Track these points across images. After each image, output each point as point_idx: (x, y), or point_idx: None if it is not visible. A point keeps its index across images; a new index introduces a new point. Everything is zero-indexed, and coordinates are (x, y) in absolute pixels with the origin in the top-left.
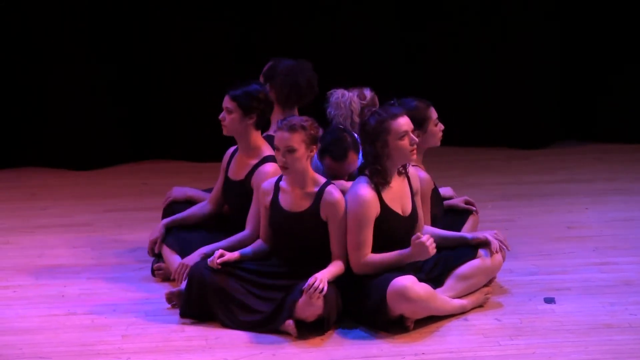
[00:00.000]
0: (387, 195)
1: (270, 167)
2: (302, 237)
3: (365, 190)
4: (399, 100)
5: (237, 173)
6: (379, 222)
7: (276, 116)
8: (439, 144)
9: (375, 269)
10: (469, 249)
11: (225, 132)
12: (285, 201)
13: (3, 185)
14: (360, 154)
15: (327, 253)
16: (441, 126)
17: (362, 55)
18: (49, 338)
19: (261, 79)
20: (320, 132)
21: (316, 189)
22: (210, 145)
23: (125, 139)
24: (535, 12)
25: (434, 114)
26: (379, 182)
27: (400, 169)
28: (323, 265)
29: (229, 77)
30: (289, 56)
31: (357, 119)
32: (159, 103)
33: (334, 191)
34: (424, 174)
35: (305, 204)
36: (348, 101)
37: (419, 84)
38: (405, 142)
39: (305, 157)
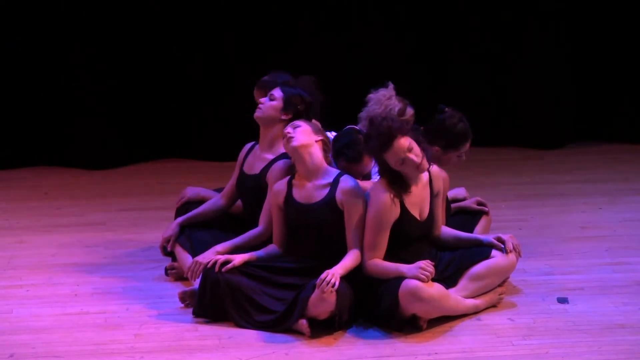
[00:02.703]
0: (407, 199)
1: (283, 163)
2: (318, 228)
3: (384, 194)
4: (455, 111)
5: (252, 167)
6: (396, 225)
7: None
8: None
9: (377, 274)
10: (483, 249)
11: (257, 115)
12: (299, 195)
13: (18, 184)
14: None
15: (343, 246)
16: (463, 158)
17: (374, 54)
18: (63, 337)
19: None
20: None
21: (331, 180)
22: (224, 145)
23: (139, 139)
24: (549, 13)
25: (468, 145)
26: (400, 188)
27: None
28: (338, 259)
29: (244, 78)
30: (304, 54)
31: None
32: (173, 102)
33: (349, 179)
34: (444, 173)
35: (320, 195)
36: (388, 108)
37: (435, 84)
38: (412, 154)
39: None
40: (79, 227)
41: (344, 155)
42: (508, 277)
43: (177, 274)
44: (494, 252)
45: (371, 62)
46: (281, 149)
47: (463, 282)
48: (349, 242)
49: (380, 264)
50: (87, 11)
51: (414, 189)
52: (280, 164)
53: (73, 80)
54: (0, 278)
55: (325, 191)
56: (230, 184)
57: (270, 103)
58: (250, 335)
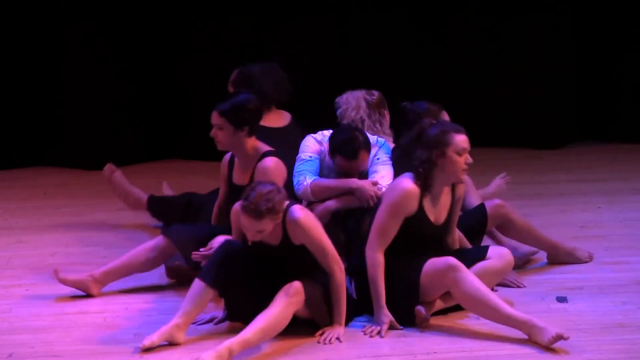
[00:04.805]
0: (426, 201)
1: (270, 162)
2: (282, 264)
3: (408, 184)
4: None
5: (242, 178)
6: (410, 223)
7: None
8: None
9: (370, 275)
10: (479, 251)
11: (220, 148)
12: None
13: (17, 184)
14: (375, 153)
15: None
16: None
17: (376, 55)
18: (62, 337)
19: (230, 88)
20: (285, 197)
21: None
22: None
23: (139, 139)
24: (550, 14)
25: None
26: (423, 187)
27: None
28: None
29: None
30: (308, 53)
31: (365, 115)
32: (174, 102)
33: (295, 210)
34: (466, 177)
35: (277, 239)
36: (356, 96)
37: (435, 84)
38: (462, 158)
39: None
40: (78, 227)
41: (340, 151)
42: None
43: (175, 272)
44: (489, 254)
45: (371, 62)
46: (261, 150)
47: None
48: (325, 267)
49: (378, 269)
50: (87, 11)
51: (436, 194)
52: (267, 163)
53: (73, 81)
54: (0, 277)
55: (281, 233)
56: (220, 199)
57: (221, 133)
58: None
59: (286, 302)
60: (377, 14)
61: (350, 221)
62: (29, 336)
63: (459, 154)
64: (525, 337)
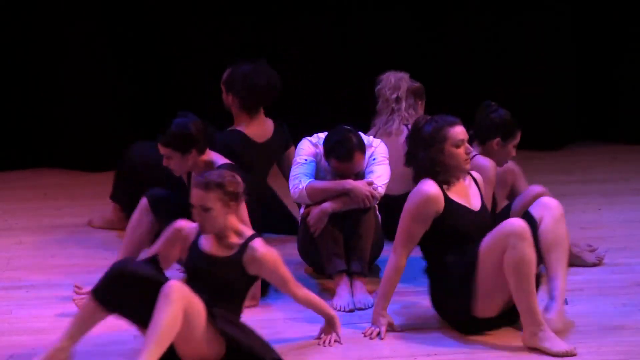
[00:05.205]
0: (452, 193)
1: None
2: (217, 282)
3: (428, 186)
4: (499, 107)
5: None
6: (444, 218)
7: (243, 120)
8: (501, 165)
9: (385, 275)
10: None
11: (177, 174)
12: (206, 244)
13: (18, 185)
14: (371, 153)
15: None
16: (513, 153)
17: (376, 55)
18: None
19: (222, 88)
20: (241, 187)
21: (240, 242)
22: None
23: (139, 139)
24: (550, 14)
25: (519, 136)
26: (443, 181)
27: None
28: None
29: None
30: (304, 54)
31: (402, 96)
32: (174, 102)
33: (258, 246)
34: (485, 161)
35: (227, 253)
36: (399, 77)
37: (435, 84)
38: (461, 150)
39: (223, 215)
40: (78, 228)
41: (334, 153)
42: None
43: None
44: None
45: (371, 62)
46: (217, 163)
47: None
48: (285, 292)
49: (389, 282)
50: (87, 11)
51: (457, 184)
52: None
53: (73, 81)
54: (0, 279)
55: (234, 251)
56: None
57: (172, 162)
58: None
59: (168, 303)
60: (377, 14)
61: (347, 222)
62: (29, 337)
63: (457, 146)
64: (520, 338)
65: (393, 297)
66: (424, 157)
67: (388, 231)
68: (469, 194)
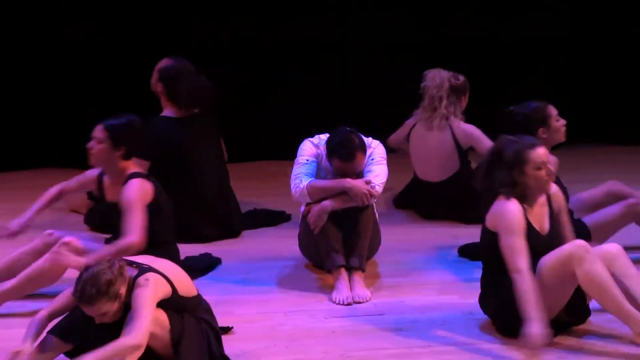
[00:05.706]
0: (529, 215)
1: (134, 183)
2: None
3: (511, 204)
4: (518, 105)
5: (115, 195)
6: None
7: (172, 111)
8: (563, 139)
9: (519, 294)
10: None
11: (91, 162)
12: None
13: (17, 185)
14: (370, 154)
15: None
16: (563, 121)
17: (376, 55)
18: None
19: (156, 75)
20: (115, 269)
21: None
22: (230, 146)
23: None
24: (550, 14)
25: (553, 110)
26: (524, 201)
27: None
28: None
29: (245, 79)
30: (304, 54)
31: (445, 95)
32: None
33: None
34: (555, 188)
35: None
36: (443, 76)
37: None
38: (543, 172)
39: (120, 303)
40: (78, 228)
41: (337, 154)
42: None
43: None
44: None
45: (371, 62)
46: (129, 171)
47: None
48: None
49: (524, 286)
50: (87, 11)
51: (533, 206)
52: (130, 185)
53: (73, 82)
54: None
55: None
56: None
57: (98, 147)
58: (252, 328)
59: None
60: (377, 14)
61: (346, 220)
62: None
63: (539, 168)
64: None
65: (393, 291)
66: (503, 178)
67: (423, 212)
68: (543, 216)
